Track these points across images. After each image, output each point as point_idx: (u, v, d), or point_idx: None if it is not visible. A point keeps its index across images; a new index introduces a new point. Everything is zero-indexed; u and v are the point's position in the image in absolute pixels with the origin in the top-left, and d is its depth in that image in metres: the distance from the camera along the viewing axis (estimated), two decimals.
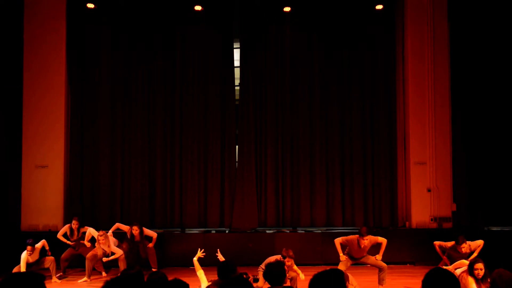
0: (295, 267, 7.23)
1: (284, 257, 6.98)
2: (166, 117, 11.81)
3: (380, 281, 7.92)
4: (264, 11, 11.83)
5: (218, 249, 6.65)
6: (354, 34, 11.88)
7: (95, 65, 11.71)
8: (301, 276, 7.15)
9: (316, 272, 2.82)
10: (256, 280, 5.35)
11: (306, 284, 3.03)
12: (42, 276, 2.56)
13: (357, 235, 7.88)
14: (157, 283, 3.39)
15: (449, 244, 8.24)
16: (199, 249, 6.27)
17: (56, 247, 9.55)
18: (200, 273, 5.62)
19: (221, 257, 6.41)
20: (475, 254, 7.92)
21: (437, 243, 8.45)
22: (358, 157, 11.82)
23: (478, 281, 6.10)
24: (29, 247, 8.68)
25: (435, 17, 11.62)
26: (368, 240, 7.79)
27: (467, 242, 8.00)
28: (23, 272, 3.63)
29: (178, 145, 11.77)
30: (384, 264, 7.93)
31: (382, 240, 8.02)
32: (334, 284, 2.64)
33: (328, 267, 2.92)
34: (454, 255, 7.99)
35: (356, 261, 8.15)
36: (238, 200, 11.51)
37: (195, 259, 5.93)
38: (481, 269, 6.09)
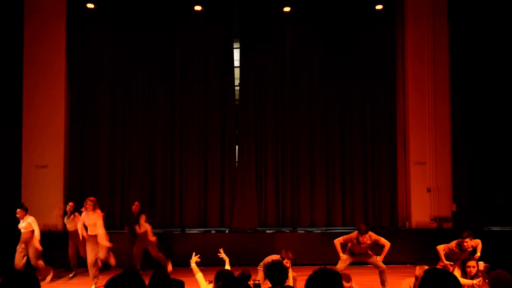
0: (290, 269, 7.12)
1: (283, 259, 6.95)
2: (166, 117, 11.82)
3: (382, 283, 7.91)
4: (264, 11, 11.83)
5: (221, 249, 6.53)
6: (354, 34, 11.88)
7: (95, 65, 11.72)
8: (290, 280, 6.96)
9: None
10: (258, 286, 5.32)
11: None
12: (36, 278, 2.57)
13: (357, 232, 7.86)
14: (156, 282, 3.40)
15: (453, 243, 7.74)
16: (194, 253, 6.00)
17: (56, 246, 9.55)
18: (199, 276, 5.53)
19: (224, 256, 6.35)
20: (478, 254, 7.84)
21: (440, 247, 7.78)
22: (358, 157, 11.83)
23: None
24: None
25: (435, 17, 11.62)
26: (367, 237, 7.76)
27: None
28: (19, 272, 3.65)
29: (178, 145, 11.77)
30: (383, 266, 7.90)
31: (385, 243, 7.92)
32: (329, 283, 2.64)
33: (327, 267, 2.90)
34: (456, 254, 7.86)
35: (357, 258, 8.11)
36: (238, 200, 11.51)
37: (193, 264, 5.76)
38: (473, 267, 6.36)
